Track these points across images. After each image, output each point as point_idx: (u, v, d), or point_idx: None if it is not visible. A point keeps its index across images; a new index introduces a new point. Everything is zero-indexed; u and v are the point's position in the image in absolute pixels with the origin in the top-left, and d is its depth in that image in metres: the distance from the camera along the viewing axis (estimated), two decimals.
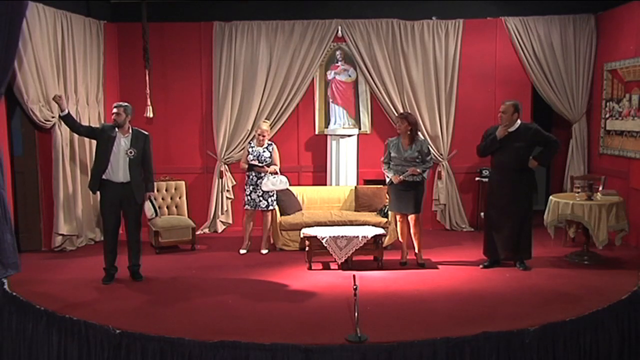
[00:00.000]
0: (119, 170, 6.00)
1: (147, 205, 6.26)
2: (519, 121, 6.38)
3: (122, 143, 6.02)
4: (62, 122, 6.43)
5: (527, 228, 6.47)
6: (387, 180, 6.73)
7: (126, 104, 6.19)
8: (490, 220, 6.63)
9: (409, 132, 6.59)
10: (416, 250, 6.77)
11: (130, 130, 6.10)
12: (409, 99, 8.59)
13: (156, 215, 6.44)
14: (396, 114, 8.45)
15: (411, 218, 6.69)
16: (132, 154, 6.01)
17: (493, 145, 6.43)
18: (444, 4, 8.55)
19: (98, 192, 6.15)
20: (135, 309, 5.41)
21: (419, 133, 6.81)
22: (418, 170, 6.54)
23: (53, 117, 7.07)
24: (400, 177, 6.55)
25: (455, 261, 6.91)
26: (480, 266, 6.62)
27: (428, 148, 6.73)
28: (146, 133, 6.22)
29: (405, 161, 6.58)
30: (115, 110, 6.06)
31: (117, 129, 6.04)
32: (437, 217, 8.77)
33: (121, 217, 6.19)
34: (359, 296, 4.97)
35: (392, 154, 6.64)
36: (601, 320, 4.27)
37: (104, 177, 6.01)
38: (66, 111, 6.15)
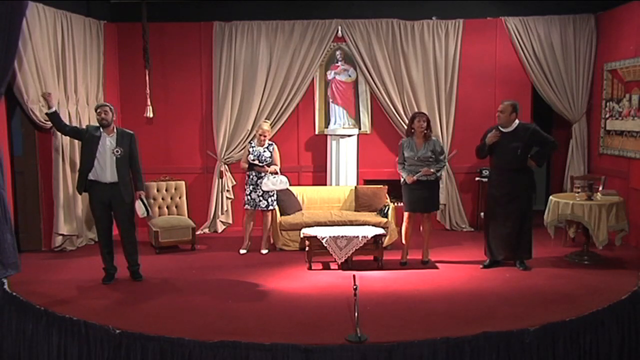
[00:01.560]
0: (106, 170, 5.97)
1: (138, 205, 6.19)
2: (517, 121, 6.39)
3: (108, 142, 6.00)
4: (49, 119, 6.40)
5: (527, 228, 6.48)
6: (402, 180, 6.72)
7: (110, 104, 6.20)
8: (490, 221, 6.63)
9: (425, 131, 6.61)
10: (425, 248, 6.84)
11: (115, 130, 6.09)
12: (409, 99, 8.59)
13: (148, 214, 6.36)
14: (395, 114, 8.55)
15: (426, 216, 6.75)
16: (119, 152, 5.99)
17: (484, 150, 6.48)
18: (444, 4, 8.55)
19: (88, 194, 6.12)
20: (135, 308, 5.41)
21: (432, 132, 6.83)
22: (431, 170, 6.56)
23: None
24: (414, 177, 6.56)
25: (455, 261, 6.91)
26: (480, 266, 6.62)
27: (441, 147, 6.77)
28: (131, 132, 6.20)
29: (419, 160, 6.59)
30: (103, 109, 6.02)
31: (101, 129, 6.03)
32: (437, 217, 8.75)
33: (112, 217, 6.17)
34: (359, 296, 4.97)
35: (406, 154, 6.65)
36: (601, 320, 4.26)
37: (91, 177, 5.99)
38: (53, 109, 6.14)
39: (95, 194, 6.05)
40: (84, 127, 6.55)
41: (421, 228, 6.86)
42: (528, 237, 6.50)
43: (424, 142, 6.64)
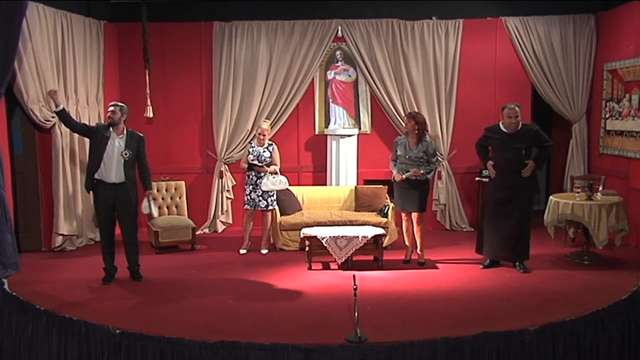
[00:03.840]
0: (111, 171, 5.97)
1: (145, 204, 6.23)
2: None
3: (117, 144, 5.99)
4: (57, 117, 6.40)
5: (527, 229, 6.44)
6: (392, 177, 6.75)
7: (122, 104, 6.19)
8: (489, 222, 6.57)
9: (416, 132, 6.60)
10: (418, 249, 6.80)
11: (125, 132, 6.08)
12: (409, 99, 8.59)
13: (151, 214, 6.38)
14: (395, 114, 8.55)
15: (414, 216, 6.71)
16: (127, 155, 5.99)
17: (483, 160, 6.58)
18: (444, 4, 8.55)
19: (93, 193, 6.14)
20: (135, 308, 5.41)
21: (428, 134, 6.78)
22: (421, 171, 6.54)
23: (53, 117, 7.05)
24: (403, 176, 6.57)
25: (455, 261, 6.91)
26: (480, 266, 6.61)
27: (434, 149, 6.72)
28: (141, 134, 6.20)
29: (410, 160, 6.58)
30: (111, 108, 6.04)
31: (111, 129, 6.02)
32: (437, 217, 8.77)
33: (115, 217, 6.17)
34: (359, 296, 4.97)
35: (398, 152, 6.66)
36: (601, 320, 4.27)
37: (96, 177, 5.99)
38: (61, 106, 6.10)
39: (99, 193, 6.06)
40: (93, 124, 6.53)
41: (414, 228, 6.80)
42: (526, 238, 6.46)
43: (417, 142, 6.63)
